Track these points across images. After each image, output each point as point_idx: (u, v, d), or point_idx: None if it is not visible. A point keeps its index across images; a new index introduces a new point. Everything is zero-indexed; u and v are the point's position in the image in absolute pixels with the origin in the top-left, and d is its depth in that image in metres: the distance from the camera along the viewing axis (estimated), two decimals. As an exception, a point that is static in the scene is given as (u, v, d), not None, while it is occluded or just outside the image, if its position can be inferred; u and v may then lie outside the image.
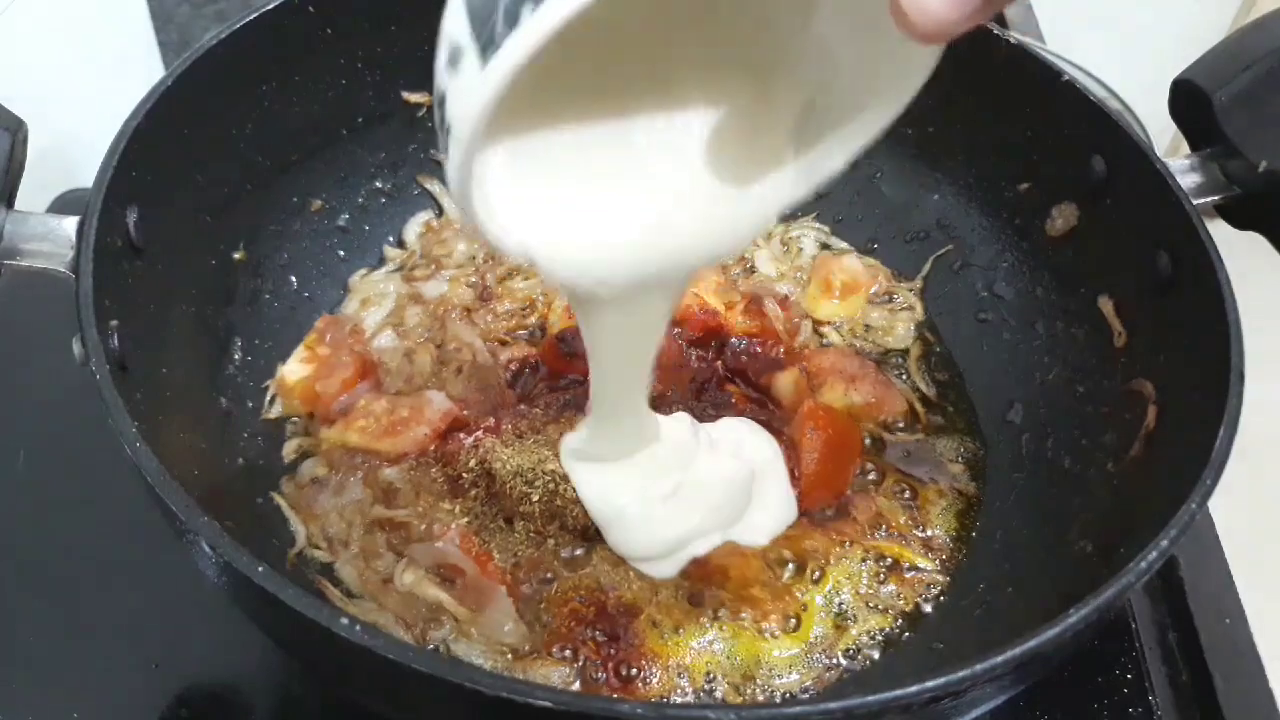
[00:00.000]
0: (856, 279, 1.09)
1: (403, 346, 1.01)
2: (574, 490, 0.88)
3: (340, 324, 1.01)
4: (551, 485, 0.88)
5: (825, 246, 1.15)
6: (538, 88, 0.54)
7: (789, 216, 1.17)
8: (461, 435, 0.94)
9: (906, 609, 0.89)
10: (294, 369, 0.98)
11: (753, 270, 1.13)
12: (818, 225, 1.16)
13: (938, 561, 0.92)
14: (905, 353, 1.07)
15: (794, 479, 0.93)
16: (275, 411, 0.97)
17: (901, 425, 1.01)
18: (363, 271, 1.09)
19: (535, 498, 0.88)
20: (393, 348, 1.01)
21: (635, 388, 0.81)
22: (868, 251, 1.14)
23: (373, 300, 1.06)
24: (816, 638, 0.86)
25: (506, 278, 1.09)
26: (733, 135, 0.65)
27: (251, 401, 0.96)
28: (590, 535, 0.89)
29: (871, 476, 0.97)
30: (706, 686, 0.83)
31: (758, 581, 0.88)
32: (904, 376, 1.05)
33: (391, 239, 1.13)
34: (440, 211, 1.14)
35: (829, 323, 1.08)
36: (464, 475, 0.91)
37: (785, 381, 1.00)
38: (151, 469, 0.66)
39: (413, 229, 1.13)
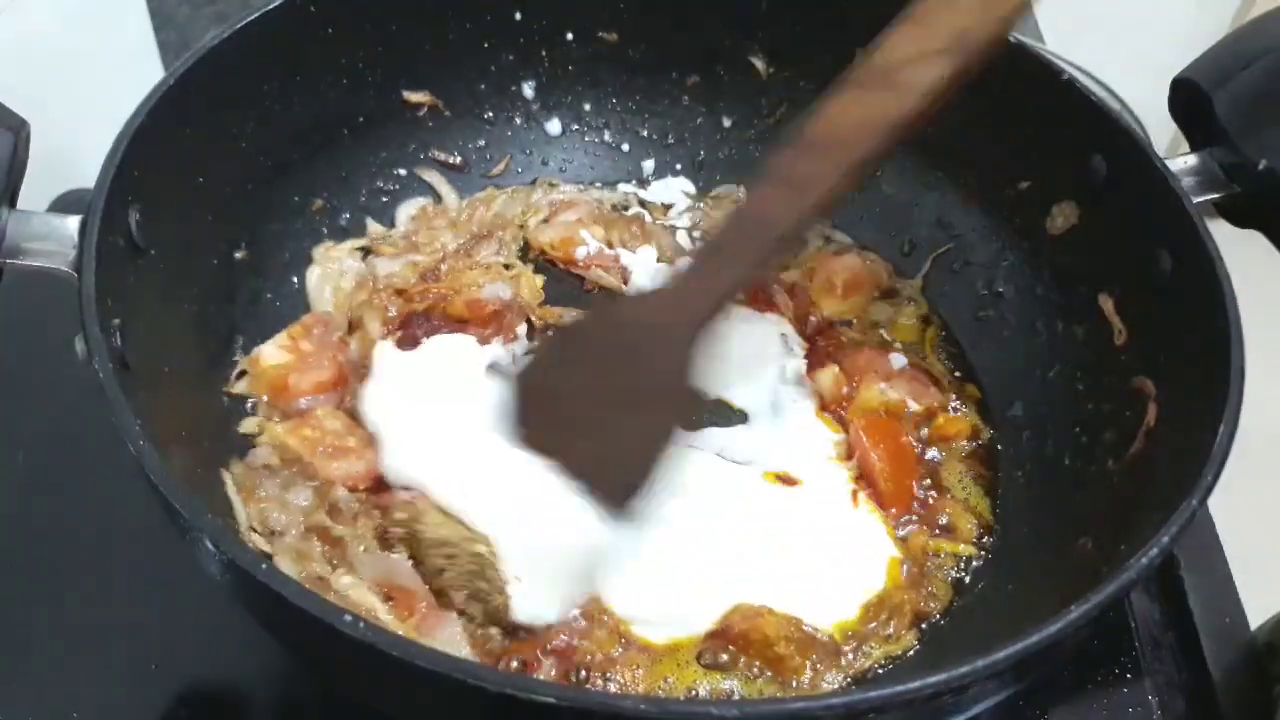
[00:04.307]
0: (858, 277, 1.09)
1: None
2: (500, 578, 0.83)
3: (329, 327, 1.00)
4: (474, 568, 0.83)
5: (827, 239, 1.15)
6: None
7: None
8: (400, 490, 0.89)
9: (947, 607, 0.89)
10: (271, 353, 0.96)
11: None
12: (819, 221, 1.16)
13: (974, 544, 0.92)
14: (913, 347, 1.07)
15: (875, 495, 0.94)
16: (239, 387, 0.96)
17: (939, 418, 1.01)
18: (328, 244, 1.08)
19: (449, 575, 0.83)
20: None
21: None
22: (868, 249, 1.14)
23: (330, 275, 1.06)
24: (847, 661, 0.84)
25: (470, 268, 1.07)
26: None
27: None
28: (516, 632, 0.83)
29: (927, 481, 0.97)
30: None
31: (783, 638, 0.83)
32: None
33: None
34: (438, 199, 1.14)
35: (835, 320, 1.08)
36: (390, 530, 0.86)
37: (825, 378, 1.00)
38: (155, 467, 0.66)
39: (406, 210, 1.13)
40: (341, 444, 0.91)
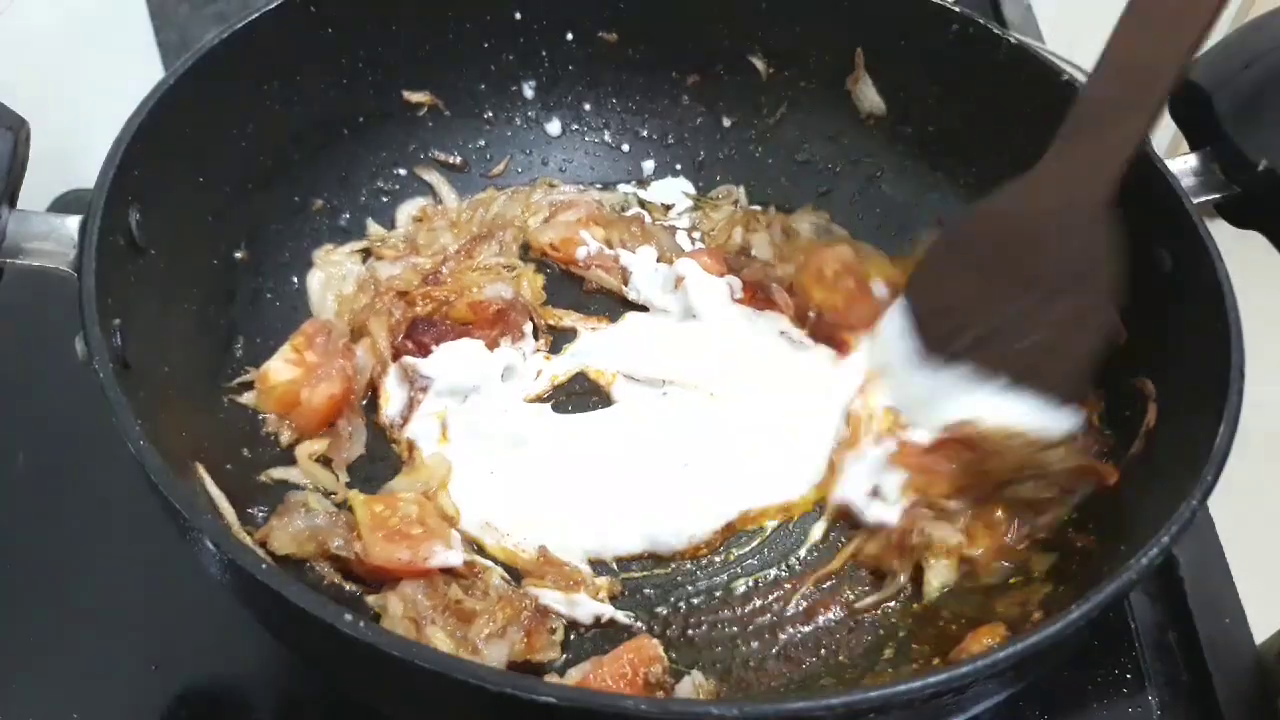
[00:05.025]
0: (849, 266, 1.07)
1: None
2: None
3: (331, 335, 0.98)
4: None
5: (828, 231, 1.14)
6: None
7: (789, 210, 1.17)
8: None
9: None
10: (280, 368, 0.95)
11: (751, 257, 1.12)
12: (816, 215, 1.16)
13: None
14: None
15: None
16: (246, 399, 0.95)
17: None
18: (328, 247, 1.07)
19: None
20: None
21: None
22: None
23: (333, 281, 1.05)
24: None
25: (471, 269, 1.07)
26: None
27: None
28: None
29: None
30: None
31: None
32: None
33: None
34: (438, 200, 1.14)
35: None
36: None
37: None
38: (155, 467, 0.66)
39: (407, 210, 1.12)
40: (406, 530, 0.85)
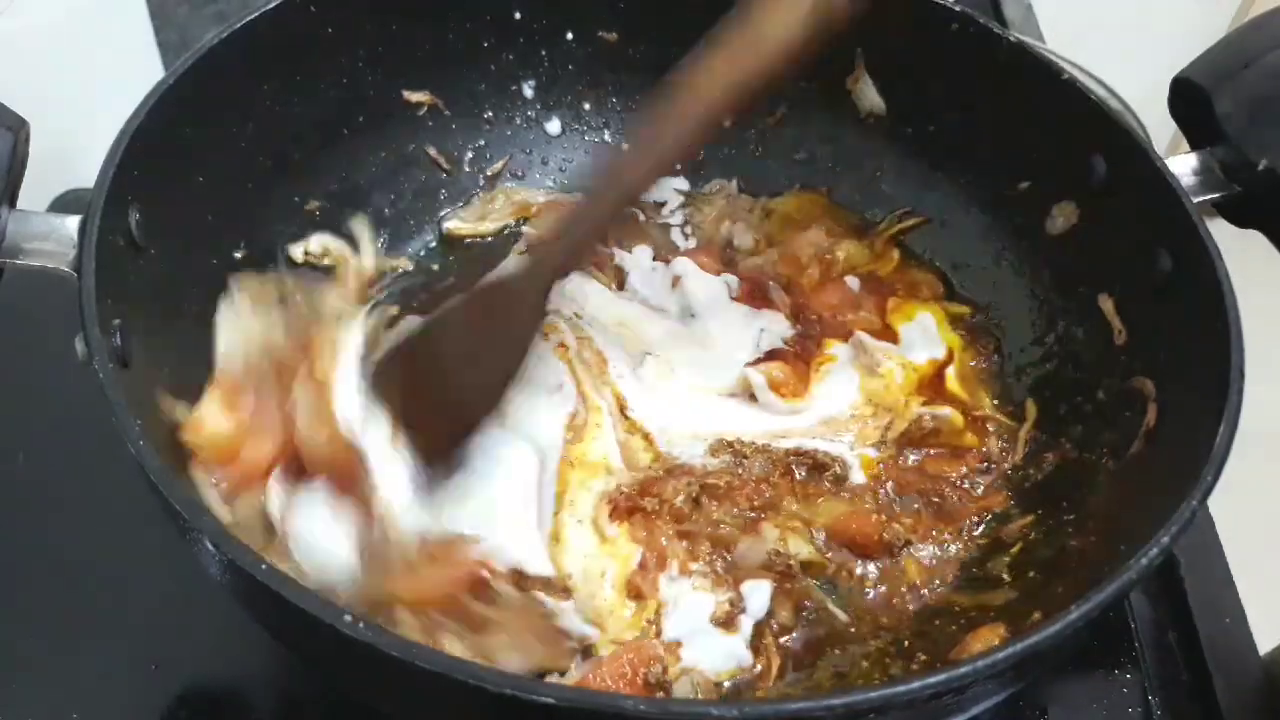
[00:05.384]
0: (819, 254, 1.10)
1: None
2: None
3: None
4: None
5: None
6: None
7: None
8: None
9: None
10: (212, 414, 0.80)
11: (735, 248, 1.12)
12: (800, 197, 1.16)
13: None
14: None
15: None
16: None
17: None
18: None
19: None
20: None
21: None
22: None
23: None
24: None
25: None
26: None
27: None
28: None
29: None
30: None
31: None
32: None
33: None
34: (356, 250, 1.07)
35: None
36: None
37: None
38: (155, 467, 0.66)
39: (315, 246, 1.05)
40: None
